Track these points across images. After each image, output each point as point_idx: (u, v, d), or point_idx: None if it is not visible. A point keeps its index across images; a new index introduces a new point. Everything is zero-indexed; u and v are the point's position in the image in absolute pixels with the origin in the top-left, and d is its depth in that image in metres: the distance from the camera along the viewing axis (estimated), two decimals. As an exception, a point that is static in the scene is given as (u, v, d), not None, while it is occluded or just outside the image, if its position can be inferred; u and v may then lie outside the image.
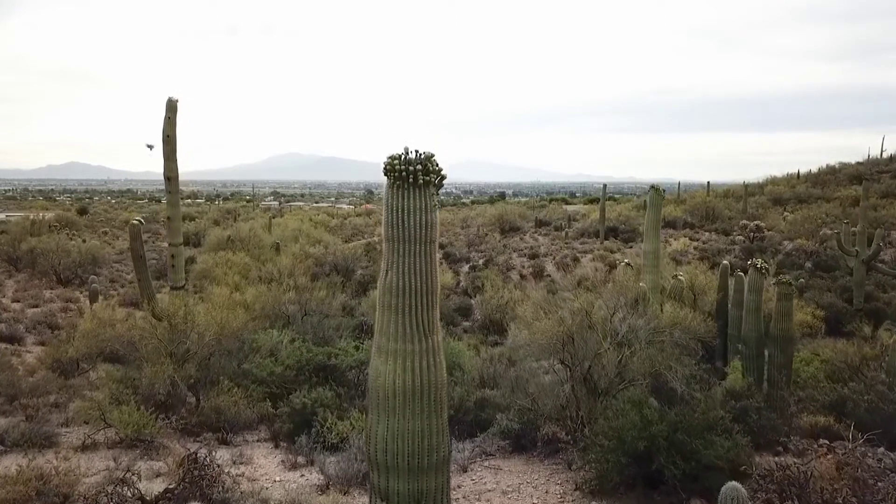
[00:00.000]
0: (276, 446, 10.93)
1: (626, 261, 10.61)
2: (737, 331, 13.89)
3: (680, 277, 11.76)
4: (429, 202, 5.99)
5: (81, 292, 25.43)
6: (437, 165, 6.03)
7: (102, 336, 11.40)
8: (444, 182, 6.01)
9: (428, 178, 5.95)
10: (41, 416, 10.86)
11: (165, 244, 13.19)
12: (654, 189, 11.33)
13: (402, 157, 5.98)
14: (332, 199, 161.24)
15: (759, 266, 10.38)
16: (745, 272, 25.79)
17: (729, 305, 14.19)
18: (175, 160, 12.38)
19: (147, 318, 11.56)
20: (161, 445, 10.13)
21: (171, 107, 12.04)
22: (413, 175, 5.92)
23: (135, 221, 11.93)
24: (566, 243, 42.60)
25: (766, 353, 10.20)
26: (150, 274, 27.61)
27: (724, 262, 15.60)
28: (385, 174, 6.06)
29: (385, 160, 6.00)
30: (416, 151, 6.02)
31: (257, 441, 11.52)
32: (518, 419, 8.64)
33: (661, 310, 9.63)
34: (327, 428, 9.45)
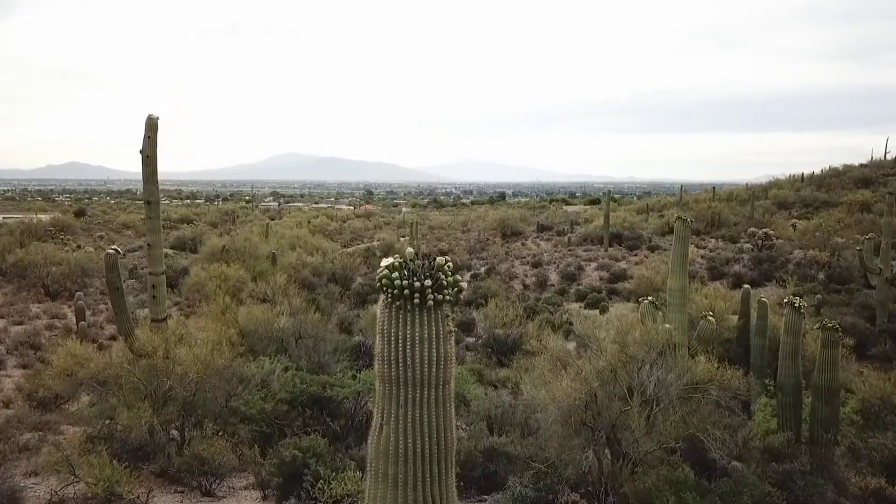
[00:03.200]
0: (265, 497, 10.04)
1: (648, 298, 9.73)
2: (759, 360, 13.03)
3: (710, 318, 10.87)
4: (441, 328, 4.44)
5: (69, 307, 24.51)
6: (452, 275, 4.47)
7: (77, 374, 10.47)
8: (462, 294, 4.46)
9: (441, 295, 4.40)
10: (6, 469, 9.95)
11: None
12: (681, 220, 10.41)
13: (404, 266, 4.41)
14: (332, 199, 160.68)
15: (797, 305, 9.46)
16: (758, 285, 24.71)
17: (751, 334, 13.30)
18: (155, 182, 11.46)
19: (125, 354, 10.65)
20: (137, 501, 9.24)
21: (152, 125, 11.10)
22: (420, 293, 4.37)
23: (110, 251, 11.01)
24: (569, 250, 41.77)
25: (808, 403, 9.28)
26: (144, 286, 26.70)
27: (746, 286, 14.71)
28: (381, 290, 4.45)
29: (380, 270, 4.41)
30: (424, 258, 4.46)
31: (244, 488, 10.64)
32: (533, 485, 7.73)
33: (691, 355, 8.72)
34: (319, 489, 8.53)
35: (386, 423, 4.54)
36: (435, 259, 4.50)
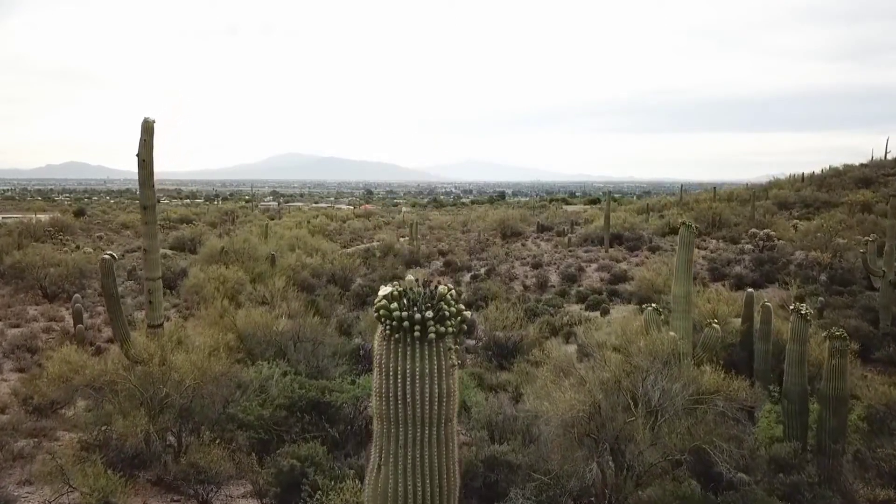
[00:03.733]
0: (262, 508, 9.91)
1: (652, 305, 9.60)
2: (763, 365, 12.90)
3: (715, 325, 10.73)
4: (444, 362, 4.11)
5: (67, 309, 24.38)
6: (454, 304, 4.11)
7: (72, 381, 10.33)
8: (465, 324, 4.11)
9: (443, 327, 4.05)
10: (0, 478, 9.81)
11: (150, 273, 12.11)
12: (686, 225, 10.26)
13: (403, 295, 4.07)
14: (332, 198, 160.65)
15: (803, 312, 9.31)
16: (759, 286, 24.53)
17: (755, 338, 13.15)
18: (152, 186, 11.30)
19: (121, 360, 10.50)
20: (132, 511, 9.12)
21: (147, 129, 10.95)
22: (421, 325, 4.02)
23: (105, 256, 10.85)
24: (570, 251, 41.62)
25: (814, 410, 9.13)
26: (142, 288, 26.56)
27: (749, 289, 14.57)
28: (378, 321, 4.10)
29: (377, 300, 4.06)
30: (425, 285, 4.10)
31: (242, 497, 10.51)
32: (535, 497, 7.58)
33: (696, 364, 8.57)
34: (317, 499, 8.40)
35: (384, 463, 4.18)
36: (437, 287, 4.15)
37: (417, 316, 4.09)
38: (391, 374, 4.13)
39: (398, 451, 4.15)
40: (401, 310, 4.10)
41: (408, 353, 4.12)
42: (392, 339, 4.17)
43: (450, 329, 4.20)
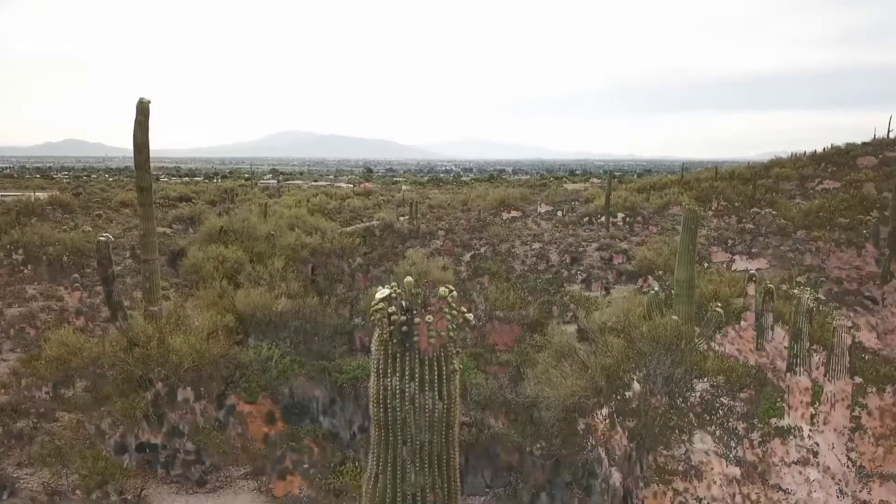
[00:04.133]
0: (260, 488, 9.93)
1: (654, 289, 9.51)
2: (765, 347, 12.85)
3: (717, 309, 10.64)
4: (445, 367, 3.82)
5: (65, 288, 24.33)
6: (455, 308, 3.84)
7: (70, 364, 10.29)
8: (467, 324, 4.18)
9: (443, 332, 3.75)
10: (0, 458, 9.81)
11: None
12: (690, 209, 10.13)
13: (400, 299, 3.74)
14: (331, 176, 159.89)
15: (806, 296, 9.21)
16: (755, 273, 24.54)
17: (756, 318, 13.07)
18: (148, 169, 11.16)
19: (118, 342, 10.44)
20: (131, 492, 9.11)
21: (143, 109, 10.78)
22: None
23: (101, 238, 10.75)
24: (570, 230, 41.48)
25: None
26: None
27: (751, 270, 14.48)
28: (375, 326, 3.79)
29: (374, 303, 3.75)
30: (424, 286, 3.82)
31: (242, 477, 10.53)
32: (535, 482, 7.55)
33: (699, 350, 8.50)
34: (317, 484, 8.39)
35: (382, 472, 3.81)
36: (437, 289, 3.84)
37: (416, 321, 3.79)
38: (389, 380, 3.83)
39: (396, 461, 3.84)
40: (399, 313, 3.80)
41: (406, 358, 3.82)
42: (390, 343, 3.87)
43: (450, 333, 3.92)
